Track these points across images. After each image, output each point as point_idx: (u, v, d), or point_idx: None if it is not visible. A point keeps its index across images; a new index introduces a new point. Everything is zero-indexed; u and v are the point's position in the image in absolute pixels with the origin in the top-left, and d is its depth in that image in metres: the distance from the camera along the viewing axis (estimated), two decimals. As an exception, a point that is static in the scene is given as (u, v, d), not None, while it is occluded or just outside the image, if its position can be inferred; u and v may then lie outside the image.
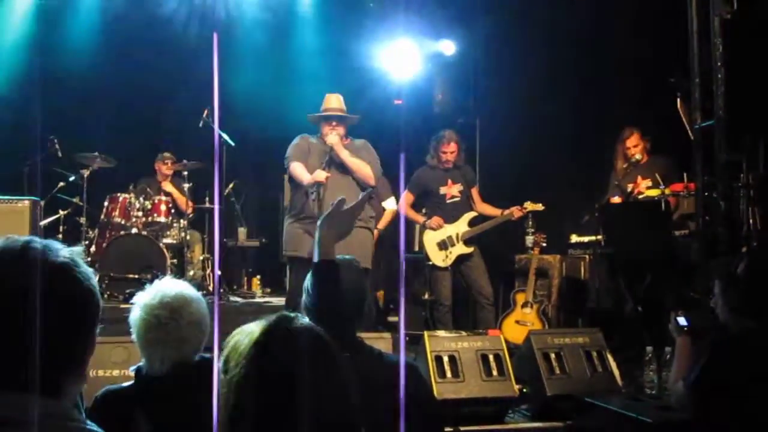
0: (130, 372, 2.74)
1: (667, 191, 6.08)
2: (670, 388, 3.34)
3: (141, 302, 2.66)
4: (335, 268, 2.52)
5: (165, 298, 2.62)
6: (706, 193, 5.09)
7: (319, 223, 2.60)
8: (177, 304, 2.62)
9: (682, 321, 3.44)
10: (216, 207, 7.63)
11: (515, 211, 6.83)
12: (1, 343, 1.26)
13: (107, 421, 2.58)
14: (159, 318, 2.58)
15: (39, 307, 1.26)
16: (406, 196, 6.99)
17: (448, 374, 4.77)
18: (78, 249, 1.40)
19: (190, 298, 2.67)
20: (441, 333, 5.26)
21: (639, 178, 6.49)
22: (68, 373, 1.34)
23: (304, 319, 1.59)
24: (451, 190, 6.94)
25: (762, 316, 3.02)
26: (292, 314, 1.59)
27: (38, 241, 1.35)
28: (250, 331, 1.55)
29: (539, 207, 6.83)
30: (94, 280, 1.38)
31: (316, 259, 2.53)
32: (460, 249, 6.81)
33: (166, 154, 8.38)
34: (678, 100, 5.68)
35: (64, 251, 1.36)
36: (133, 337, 2.65)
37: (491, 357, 4.89)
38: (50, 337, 1.27)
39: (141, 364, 2.69)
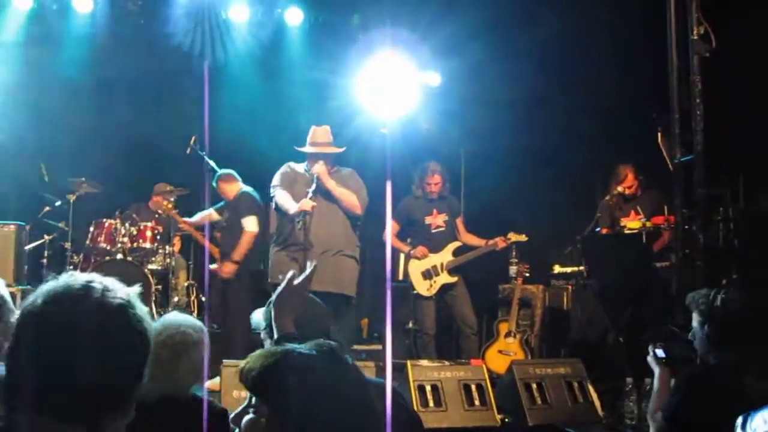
0: None
1: (648, 224, 6.16)
2: (649, 419, 3.38)
3: None
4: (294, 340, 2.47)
5: (170, 339, 2.63)
6: (686, 227, 5.17)
7: (273, 301, 2.55)
8: (181, 348, 2.63)
9: (659, 353, 3.49)
10: (206, 232, 7.67)
11: (499, 242, 6.89)
12: (57, 378, 1.30)
13: None
14: (160, 356, 2.58)
15: (95, 345, 1.31)
16: (392, 226, 7.04)
17: (431, 403, 4.80)
18: (136, 289, 1.44)
19: (194, 342, 2.67)
20: (424, 362, 5.30)
21: (633, 213, 6.56)
22: (113, 410, 1.37)
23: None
24: (436, 220, 7.00)
25: (739, 348, 3.06)
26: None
27: (98, 281, 1.39)
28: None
29: (523, 238, 6.90)
30: (148, 321, 1.41)
31: (275, 335, 2.48)
32: (445, 278, 6.86)
33: (169, 188, 8.30)
34: (659, 134, 5.78)
35: (121, 292, 1.39)
36: None
37: (473, 387, 4.93)
38: (101, 375, 1.31)
39: None
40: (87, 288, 1.36)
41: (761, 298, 4.36)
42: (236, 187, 7.06)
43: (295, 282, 2.57)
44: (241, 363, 1.61)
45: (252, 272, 6.91)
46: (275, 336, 2.44)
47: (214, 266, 6.98)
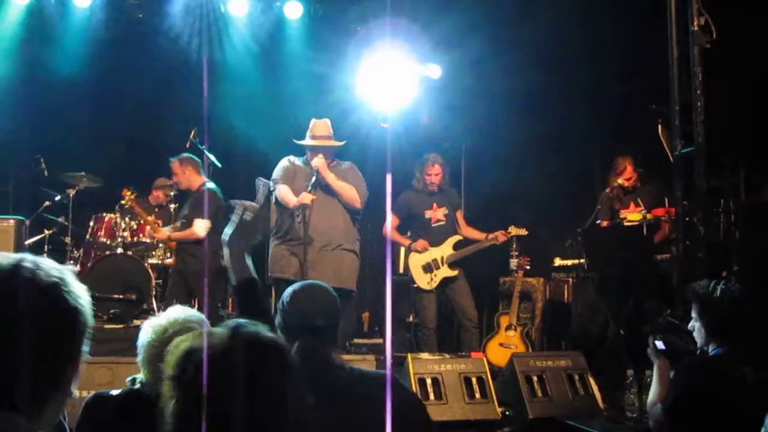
0: (126, 382, 2.73)
1: (648, 216, 6.15)
2: (648, 410, 3.38)
3: (151, 330, 2.66)
4: (254, 283, 2.43)
5: (176, 336, 2.64)
6: (687, 219, 5.16)
7: (227, 241, 2.52)
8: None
9: (659, 344, 3.48)
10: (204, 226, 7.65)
11: (499, 236, 6.87)
12: None
13: (95, 427, 2.60)
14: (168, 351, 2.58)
15: (25, 326, 1.28)
16: (392, 219, 7.03)
17: (431, 396, 4.80)
18: (70, 267, 1.42)
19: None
20: (424, 355, 5.29)
21: (632, 204, 6.55)
22: (50, 391, 1.35)
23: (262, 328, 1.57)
24: (437, 214, 6.98)
25: (738, 340, 3.06)
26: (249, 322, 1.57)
27: (29, 260, 1.36)
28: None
29: (523, 232, 6.88)
30: (84, 298, 1.40)
31: (233, 281, 2.45)
32: (445, 272, 6.85)
33: (169, 182, 8.32)
34: (660, 126, 5.76)
35: (54, 270, 1.37)
36: (139, 358, 2.66)
37: (474, 380, 4.93)
38: (34, 356, 1.29)
39: (140, 377, 2.69)
40: (17, 267, 1.34)
41: (761, 290, 4.36)
42: (201, 179, 7.00)
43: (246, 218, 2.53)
44: None
45: (214, 270, 6.80)
46: (232, 281, 2.41)
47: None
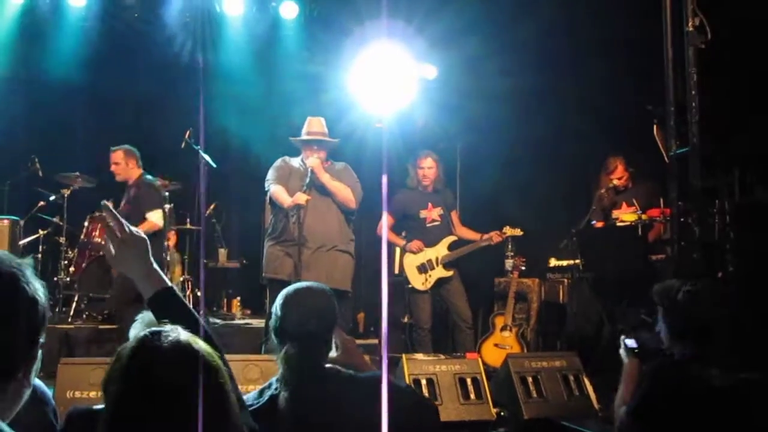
0: None
1: (644, 216, 6.16)
2: (615, 411, 3.34)
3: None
4: (173, 295, 2.22)
5: None
6: (682, 219, 5.16)
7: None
8: None
9: (630, 343, 3.46)
10: (202, 228, 7.65)
11: (494, 236, 6.87)
12: None
13: None
14: None
15: None
16: (387, 219, 7.02)
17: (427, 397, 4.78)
18: (28, 260, 1.45)
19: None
20: (419, 356, 5.29)
21: (624, 204, 6.56)
22: (6, 381, 1.38)
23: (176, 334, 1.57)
24: (432, 214, 6.98)
25: (703, 342, 3.02)
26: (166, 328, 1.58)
27: None
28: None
29: (518, 232, 6.88)
30: (41, 291, 1.43)
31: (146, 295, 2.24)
32: (440, 272, 6.84)
33: (160, 182, 8.34)
34: (655, 127, 5.76)
35: (13, 261, 1.41)
36: None
37: (469, 380, 4.92)
38: None
39: None
40: None
41: (757, 290, 4.36)
42: (139, 171, 6.95)
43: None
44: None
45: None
46: (145, 298, 2.22)
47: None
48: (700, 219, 5.01)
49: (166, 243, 7.92)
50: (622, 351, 3.51)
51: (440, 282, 6.85)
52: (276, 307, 2.63)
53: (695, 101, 4.87)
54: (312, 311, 2.59)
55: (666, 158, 5.40)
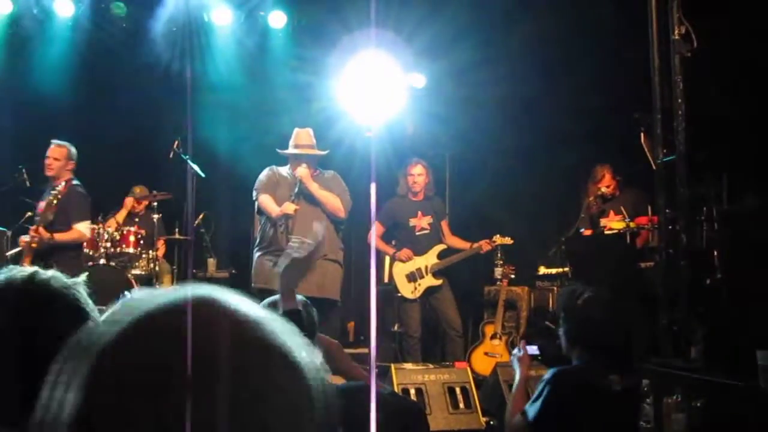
0: None
1: (632, 224, 6.17)
2: (507, 421, 3.28)
3: None
4: (298, 315, 2.41)
5: None
6: (669, 227, 5.17)
7: (280, 271, 2.48)
8: None
9: (531, 349, 3.46)
10: (191, 238, 7.62)
11: (484, 245, 6.87)
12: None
13: None
14: None
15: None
16: (376, 227, 7.01)
17: (415, 407, 4.77)
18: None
19: None
20: (408, 365, 5.28)
21: (611, 212, 6.58)
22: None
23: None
24: (421, 222, 6.97)
25: (599, 348, 3.01)
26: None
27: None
28: None
29: (508, 241, 6.89)
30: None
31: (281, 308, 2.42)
32: (429, 281, 6.84)
33: (137, 190, 8.39)
34: (642, 134, 5.78)
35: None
36: None
37: (458, 389, 4.92)
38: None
39: None
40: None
41: (744, 297, 4.37)
42: (70, 174, 6.81)
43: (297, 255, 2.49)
44: None
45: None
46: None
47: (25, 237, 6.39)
48: (688, 226, 5.03)
49: (154, 253, 7.91)
50: (512, 358, 3.49)
51: (430, 291, 6.84)
52: None
53: (682, 109, 4.90)
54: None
55: (654, 166, 5.42)
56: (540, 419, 2.94)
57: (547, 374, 3.06)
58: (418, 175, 6.94)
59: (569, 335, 3.11)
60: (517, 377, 3.41)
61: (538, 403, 2.98)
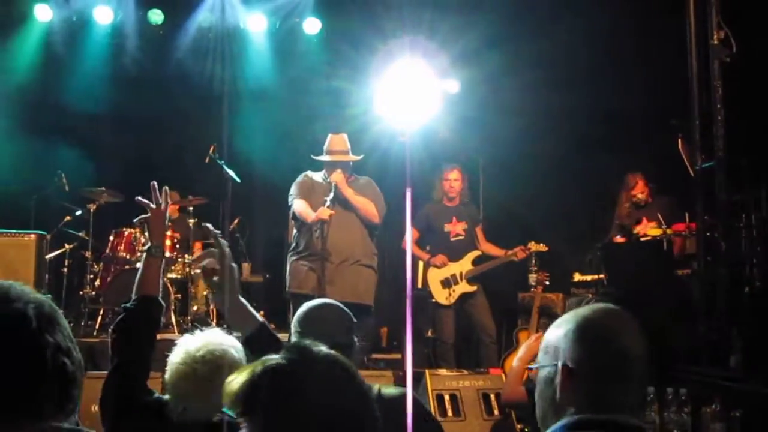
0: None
1: (669, 231, 6.11)
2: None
3: (183, 348, 2.54)
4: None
5: (209, 354, 2.49)
6: (708, 234, 5.11)
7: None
8: (219, 363, 2.47)
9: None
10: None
11: (519, 252, 6.84)
12: None
13: None
14: (196, 372, 2.47)
15: None
16: (411, 233, 7.00)
17: (449, 413, 4.77)
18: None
19: (233, 360, 2.50)
20: (442, 371, 5.28)
21: (645, 219, 6.52)
22: None
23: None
24: (456, 228, 6.96)
25: None
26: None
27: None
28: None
29: (543, 248, 6.84)
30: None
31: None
32: (464, 287, 6.82)
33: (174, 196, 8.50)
34: (679, 140, 5.73)
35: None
36: (166, 376, 2.57)
37: (492, 396, 4.90)
38: None
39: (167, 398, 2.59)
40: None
41: None
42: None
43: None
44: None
45: None
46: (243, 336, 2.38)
47: None
48: (727, 233, 4.96)
49: (190, 257, 7.98)
50: (524, 346, 3.71)
51: (464, 297, 6.83)
52: (297, 327, 2.64)
53: (721, 114, 4.84)
54: (334, 325, 2.68)
55: (692, 172, 5.36)
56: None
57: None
58: (454, 180, 6.94)
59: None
60: (520, 353, 3.63)
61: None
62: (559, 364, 1.78)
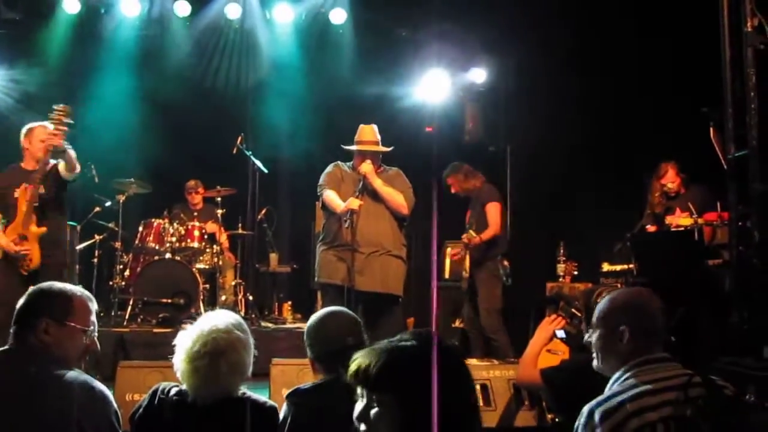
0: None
1: (700, 221, 6.05)
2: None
3: (182, 348, 2.64)
4: None
5: (203, 348, 2.60)
6: (740, 223, 5.06)
7: None
8: (217, 351, 2.59)
9: (560, 334, 3.90)
10: (254, 233, 7.71)
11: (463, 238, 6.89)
12: None
13: None
14: (198, 369, 2.58)
15: None
16: (437, 223, 6.99)
17: (480, 402, 4.76)
18: None
19: (228, 345, 2.62)
20: (473, 361, 5.27)
21: (678, 209, 6.46)
22: None
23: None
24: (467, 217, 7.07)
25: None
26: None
27: None
28: None
29: (476, 240, 6.81)
30: None
31: None
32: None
33: (191, 183, 8.54)
34: (711, 129, 5.66)
35: None
36: (177, 374, 2.66)
37: (523, 386, 4.87)
38: None
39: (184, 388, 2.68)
40: None
41: None
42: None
43: None
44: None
45: None
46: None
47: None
48: (760, 223, 4.91)
49: (218, 247, 8.04)
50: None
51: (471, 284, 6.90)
52: (311, 337, 2.91)
53: (755, 102, 4.79)
54: (347, 329, 2.89)
55: (724, 161, 5.30)
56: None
57: (570, 362, 3.31)
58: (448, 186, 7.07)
59: (586, 329, 3.17)
60: (535, 337, 3.96)
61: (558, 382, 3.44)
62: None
